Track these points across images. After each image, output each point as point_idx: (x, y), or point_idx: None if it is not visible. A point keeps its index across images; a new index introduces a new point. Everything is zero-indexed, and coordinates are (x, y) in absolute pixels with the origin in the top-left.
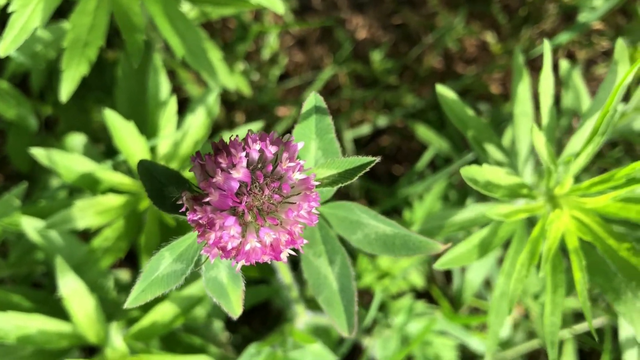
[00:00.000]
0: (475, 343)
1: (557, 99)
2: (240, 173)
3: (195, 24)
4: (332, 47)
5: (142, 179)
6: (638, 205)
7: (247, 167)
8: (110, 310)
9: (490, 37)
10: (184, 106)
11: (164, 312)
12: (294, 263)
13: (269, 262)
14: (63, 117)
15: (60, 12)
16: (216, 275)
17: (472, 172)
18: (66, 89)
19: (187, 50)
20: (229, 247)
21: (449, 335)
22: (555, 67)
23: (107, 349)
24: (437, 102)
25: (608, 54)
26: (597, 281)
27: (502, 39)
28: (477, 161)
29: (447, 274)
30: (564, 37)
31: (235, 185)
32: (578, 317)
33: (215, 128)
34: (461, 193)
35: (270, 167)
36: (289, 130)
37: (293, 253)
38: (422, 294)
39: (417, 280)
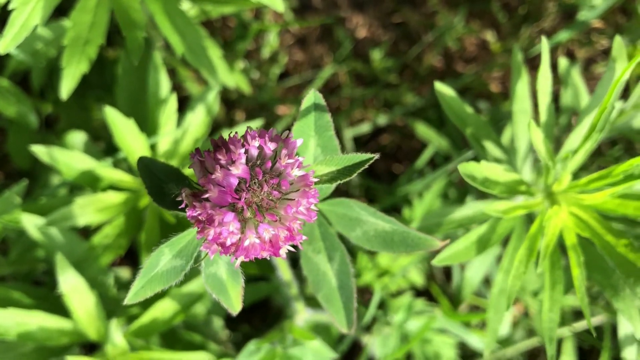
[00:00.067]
0: (475, 341)
1: (556, 97)
2: (239, 169)
3: (195, 22)
4: (332, 46)
5: (142, 176)
6: (636, 202)
7: (246, 163)
8: (111, 307)
9: (490, 36)
10: (184, 104)
11: (164, 309)
12: (294, 261)
13: (269, 259)
14: (63, 115)
15: (61, 10)
16: (216, 271)
17: (470, 169)
18: (66, 87)
19: (187, 48)
20: (228, 243)
21: (448, 333)
22: (555, 66)
23: (107, 345)
24: (437, 101)
25: (607, 53)
26: (596, 278)
27: (502, 38)
28: (476, 159)
29: (447, 272)
30: (563, 36)
31: (235, 182)
32: (577, 315)
33: (216, 126)
34: (461, 191)
35: (270, 164)
36: (288, 129)
37: (292, 249)
38: (421, 292)
39: (417, 278)
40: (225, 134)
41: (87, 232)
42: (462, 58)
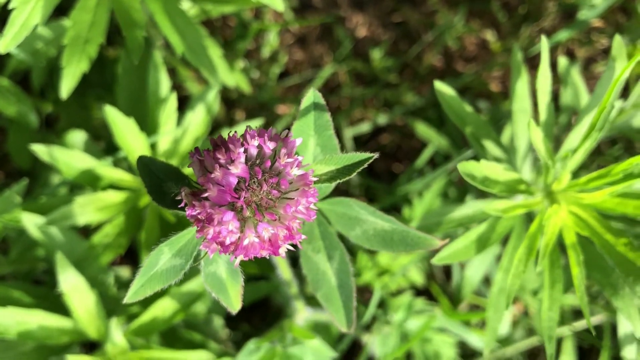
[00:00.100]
0: (475, 340)
1: (556, 97)
2: (238, 169)
3: (196, 21)
4: (332, 45)
5: (142, 175)
6: (635, 201)
7: (246, 163)
8: (111, 306)
9: (490, 35)
10: (184, 103)
11: (164, 308)
12: (294, 260)
13: (268, 258)
14: (63, 114)
15: (61, 10)
16: (215, 270)
17: (470, 168)
18: (67, 86)
19: (187, 48)
20: (228, 242)
21: (448, 332)
22: (555, 65)
23: (107, 344)
24: (437, 100)
25: (607, 52)
26: (595, 276)
27: (502, 37)
28: (476, 158)
29: (447, 272)
30: (563, 35)
31: (234, 181)
32: (577, 314)
33: (215, 126)
34: (461, 190)
35: (269, 163)
36: (288, 128)
37: (292, 248)
38: (421, 291)
39: (417, 277)
40: (225, 133)
41: (87, 231)
42: (462, 57)
